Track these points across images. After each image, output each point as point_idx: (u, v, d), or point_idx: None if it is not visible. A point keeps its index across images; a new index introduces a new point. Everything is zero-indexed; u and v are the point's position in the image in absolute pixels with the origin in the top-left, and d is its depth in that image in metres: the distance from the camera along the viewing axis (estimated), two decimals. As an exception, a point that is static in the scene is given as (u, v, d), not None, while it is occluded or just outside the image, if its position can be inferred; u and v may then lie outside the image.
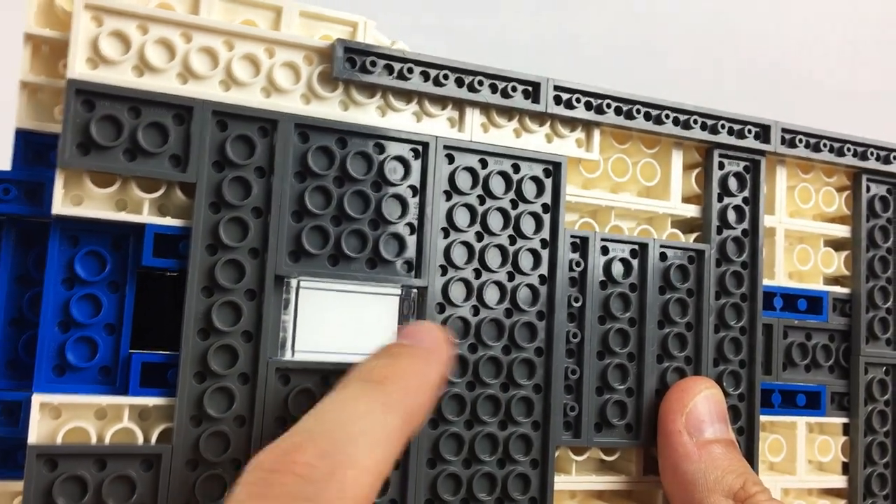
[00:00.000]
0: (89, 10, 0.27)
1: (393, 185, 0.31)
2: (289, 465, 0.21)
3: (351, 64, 0.30)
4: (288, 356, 0.30)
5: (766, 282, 0.37)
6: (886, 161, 0.39)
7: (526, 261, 0.33)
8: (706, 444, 0.32)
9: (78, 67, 0.27)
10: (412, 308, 0.32)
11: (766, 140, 0.37)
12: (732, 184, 0.37)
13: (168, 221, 0.28)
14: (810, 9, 0.61)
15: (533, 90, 0.33)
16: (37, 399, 0.27)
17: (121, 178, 0.28)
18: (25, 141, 0.29)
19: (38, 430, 0.27)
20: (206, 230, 0.28)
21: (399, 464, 0.30)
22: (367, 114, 0.31)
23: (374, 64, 0.30)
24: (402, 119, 0.31)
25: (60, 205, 0.27)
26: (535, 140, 0.33)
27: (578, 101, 0.33)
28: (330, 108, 0.30)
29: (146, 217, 0.28)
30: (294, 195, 0.30)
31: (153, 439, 0.28)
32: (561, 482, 0.33)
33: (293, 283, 0.30)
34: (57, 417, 0.27)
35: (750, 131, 0.36)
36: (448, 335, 0.28)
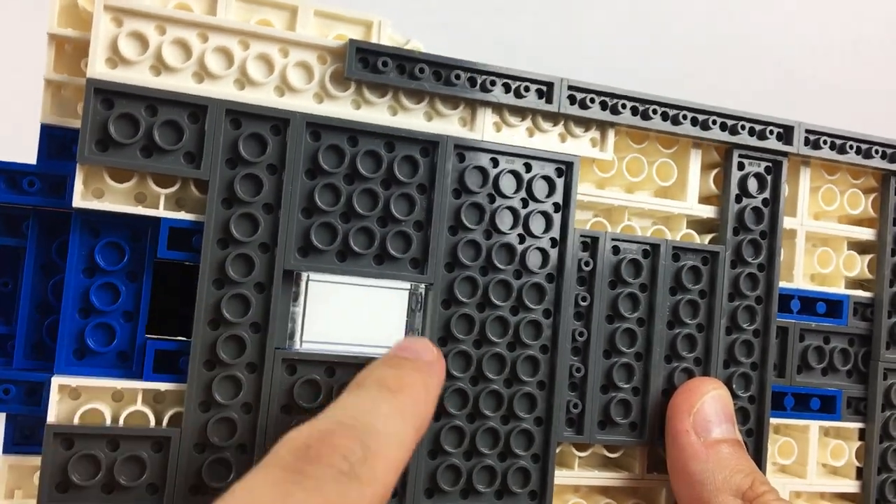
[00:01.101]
0: (109, 12, 0.29)
1: (402, 183, 0.32)
2: (329, 444, 0.22)
3: (363, 64, 0.31)
4: (296, 347, 0.31)
5: (784, 284, 0.37)
6: (917, 164, 0.38)
7: (534, 259, 0.33)
8: (714, 443, 0.33)
9: (98, 67, 0.28)
10: (420, 303, 0.32)
11: (789, 141, 0.36)
12: (752, 185, 0.36)
13: (182, 216, 0.30)
14: (827, 7, 0.59)
15: (546, 90, 0.33)
16: (56, 381, 0.28)
17: (137, 174, 0.29)
18: (49, 136, 0.30)
19: (58, 410, 0.29)
20: (218, 225, 0.30)
21: (400, 454, 0.31)
22: (378, 113, 0.32)
23: (385, 64, 0.31)
24: (413, 118, 0.32)
25: (80, 198, 0.29)
26: (549, 139, 0.34)
27: (593, 101, 0.34)
28: (342, 107, 0.31)
29: (162, 211, 0.29)
30: (304, 192, 0.31)
31: (165, 422, 0.29)
32: (562, 477, 0.34)
33: (303, 275, 0.31)
34: (76, 398, 0.29)
35: (772, 132, 0.36)
36: (439, 350, 0.29)
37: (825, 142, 0.37)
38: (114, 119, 0.28)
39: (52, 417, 0.28)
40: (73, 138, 0.30)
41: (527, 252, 0.33)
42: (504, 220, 0.33)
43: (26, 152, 0.30)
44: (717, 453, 0.32)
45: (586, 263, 0.34)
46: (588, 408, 0.34)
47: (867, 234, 0.39)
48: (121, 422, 0.29)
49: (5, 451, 0.30)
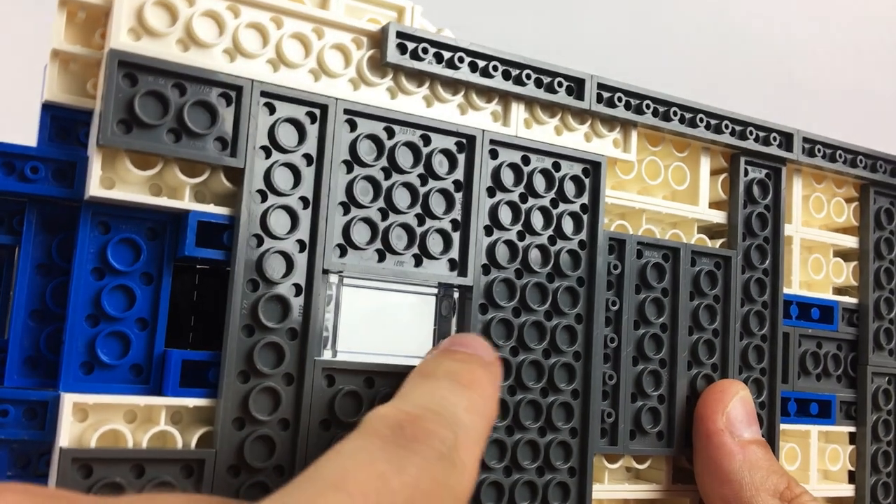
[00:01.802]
0: (135, -24, 0.25)
1: (440, 178, 0.30)
2: (422, 428, 0.22)
3: (401, 50, 0.29)
4: (328, 356, 0.28)
5: (784, 290, 0.37)
6: (893, 174, 0.40)
7: (566, 262, 0.32)
8: (747, 443, 0.32)
9: (121, 37, 0.25)
10: (452, 308, 0.30)
11: (789, 148, 0.37)
12: (756, 191, 0.36)
13: (213, 209, 0.26)
14: (819, 11, 0.61)
15: (577, 87, 0.32)
16: (69, 399, 0.24)
17: (163, 161, 0.26)
18: (52, 116, 0.26)
19: (70, 432, 0.24)
20: (254, 219, 0.26)
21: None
22: (414, 103, 0.30)
23: (425, 51, 0.29)
24: (447, 110, 0.30)
25: (98, 187, 0.25)
26: (575, 138, 0.33)
27: (620, 99, 0.33)
28: (378, 95, 0.29)
29: (189, 203, 0.26)
30: (342, 185, 0.28)
31: (193, 444, 0.26)
32: (597, 491, 0.32)
33: (333, 279, 0.28)
34: (83, 420, 0.25)
35: (775, 139, 0.37)
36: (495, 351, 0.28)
37: (819, 150, 0.38)
38: (140, 97, 0.25)
39: (64, 441, 0.24)
40: (80, 119, 0.26)
41: (560, 254, 0.32)
42: (537, 221, 0.31)
43: (19, 135, 0.26)
44: (751, 453, 0.32)
45: (615, 267, 0.33)
46: (621, 417, 0.32)
47: (852, 241, 0.40)
48: (144, 444, 0.25)
49: (0, 484, 0.25)
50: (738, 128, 0.36)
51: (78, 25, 0.26)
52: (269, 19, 0.27)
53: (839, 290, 0.41)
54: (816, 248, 0.40)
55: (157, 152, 0.25)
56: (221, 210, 0.26)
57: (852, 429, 0.39)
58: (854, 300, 0.40)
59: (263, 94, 0.27)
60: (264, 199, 0.27)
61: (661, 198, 0.36)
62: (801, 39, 0.61)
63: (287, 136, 0.27)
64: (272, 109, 0.27)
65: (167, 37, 0.26)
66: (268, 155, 0.27)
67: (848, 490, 0.39)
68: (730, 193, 0.36)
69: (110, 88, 0.25)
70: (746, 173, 0.36)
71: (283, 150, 0.27)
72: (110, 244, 0.26)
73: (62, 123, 0.26)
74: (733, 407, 0.33)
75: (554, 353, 0.31)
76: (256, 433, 0.26)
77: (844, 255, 0.41)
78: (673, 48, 0.56)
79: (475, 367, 0.26)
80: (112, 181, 0.26)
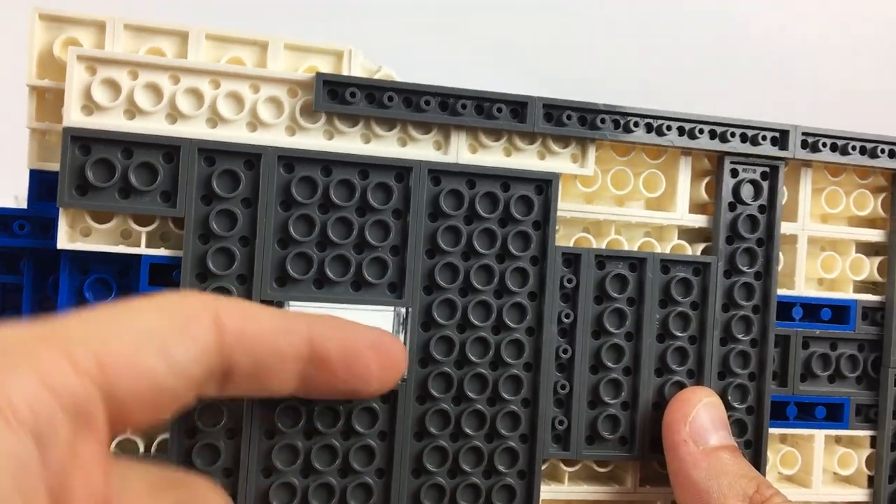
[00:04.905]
0: (83, 61, 0.30)
1: (376, 210, 0.32)
2: None
3: (331, 96, 0.31)
4: (280, 372, 0.32)
5: (784, 291, 0.36)
6: (928, 161, 0.37)
7: (514, 279, 0.33)
8: (713, 451, 0.33)
9: (73, 115, 0.30)
10: (401, 324, 0.33)
11: (784, 146, 0.35)
12: (747, 192, 0.35)
13: (162, 252, 0.31)
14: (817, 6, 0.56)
15: (520, 109, 0.33)
16: (49, 413, 0.30)
17: (118, 214, 0.31)
18: (39, 179, 0.32)
19: (52, 440, 0.30)
20: (196, 260, 0.31)
21: (382, 471, 0.32)
22: (351, 142, 0.32)
23: (353, 95, 0.31)
24: (386, 145, 0.32)
25: (66, 240, 0.30)
26: (527, 158, 0.34)
27: (570, 117, 0.33)
28: (314, 138, 0.32)
29: (142, 249, 0.31)
30: (279, 224, 0.31)
31: (154, 448, 0.31)
32: (551, 491, 0.34)
33: (285, 303, 0.32)
34: (73, 426, 0.31)
35: (765, 138, 0.35)
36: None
37: (824, 144, 0.36)
38: (91, 164, 0.30)
39: (47, 447, 0.30)
40: (61, 180, 0.32)
41: (506, 272, 0.33)
42: (482, 242, 0.33)
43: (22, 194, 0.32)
44: (717, 460, 0.32)
45: (569, 280, 0.34)
46: (574, 424, 0.34)
47: (876, 235, 0.37)
48: (111, 445, 0.31)
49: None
50: (718, 130, 0.35)
51: (49, 103, 0.31)
52: (206, 83, 0.31)
53: (868, 289, 0.38)
54: (839, 245, 0.38)
55: (108, 210, 0.30)
56: (171, 252, 0.31)
57: (871, 433, 0.37)
58: (879, 298, 0.37)
59: (201, 150, 0.31)
60: (205, 241, 0.31)
61: (646, 205, 0.36)
62: (806, 39, 0.56)
63: (223, 185, 0.31)
64: (211, 162, 0.31)
65: (114, 109, 0.30)
66: (207, 203, 0.31)
67: (862, 495, 0.37)
68: (714, 197, 0.36)
69: (65, 159, 0.30)
70: (735, 174, 0.35)
71: (220, 198, 0.31)
72: (87, 283, 0.31)
73: (46, 185, 0.32)
74: (697, 415, 0.33)
75: (501, 365, 0.33)
76: (203, 442, 0.31)
77: (876, 249, 0.38)
78: (671, 49, 0.53)
79: None
80: (89, 230, 0.31)
